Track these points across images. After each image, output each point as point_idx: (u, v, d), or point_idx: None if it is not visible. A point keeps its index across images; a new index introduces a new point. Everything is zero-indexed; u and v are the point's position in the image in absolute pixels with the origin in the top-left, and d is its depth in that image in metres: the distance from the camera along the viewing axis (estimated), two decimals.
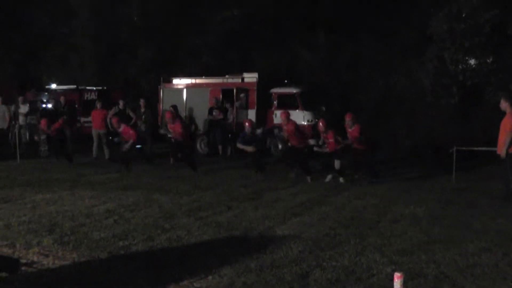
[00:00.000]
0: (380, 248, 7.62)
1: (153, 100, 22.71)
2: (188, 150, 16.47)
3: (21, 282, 6.53)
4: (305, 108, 19.32)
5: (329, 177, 14.46)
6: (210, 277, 6.52)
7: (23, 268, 6.92)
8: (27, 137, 21.43)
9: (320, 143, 15.15)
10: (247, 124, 15.26)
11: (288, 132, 14.83)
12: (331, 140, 14.38)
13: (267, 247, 7.82)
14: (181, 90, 22.16)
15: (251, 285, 6.22)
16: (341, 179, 14.15)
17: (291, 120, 15.19)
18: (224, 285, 6.25)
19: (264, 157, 15.79)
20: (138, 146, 17.00)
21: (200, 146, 21.33)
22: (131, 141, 15.88)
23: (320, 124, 14.81)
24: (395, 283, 3.90)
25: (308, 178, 14.36)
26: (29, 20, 32.80)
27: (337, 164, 14.43)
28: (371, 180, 13.88)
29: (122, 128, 16.22)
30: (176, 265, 7.04)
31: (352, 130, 14.28)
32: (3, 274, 6.58)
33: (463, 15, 16.97)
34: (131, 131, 16.18)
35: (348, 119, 14.33)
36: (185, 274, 6.61)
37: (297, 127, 15.26)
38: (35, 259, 7.40)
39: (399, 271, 4.00)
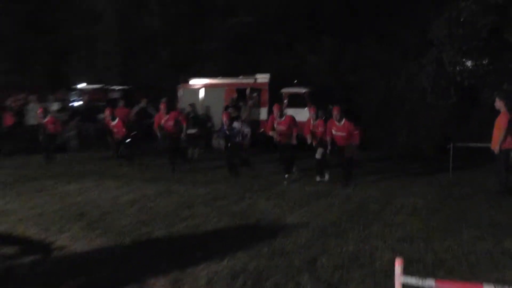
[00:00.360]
0: (382, 236, 7.63)
1: (172, 99, 22.73)
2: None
3: (53, 264, 6.62)
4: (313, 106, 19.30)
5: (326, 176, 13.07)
6: (225, 261, 6.57)
7: (55, 251, 7.00)
8: None
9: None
10: (224, 118, 13.79)
11: (280, 126, 13.31)
12: (320, 128, 13.03)
13: (278, 234, 7.86)
14: (198, 90, 22.16)
15: (263, 269, 6.26)
16: (317, 178, 12.95)
17: (287, 115, 13.86)
18: (238, 268, 6.30)
19: (238, 156, 13.98)
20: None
21: (218, 142, 21.33)
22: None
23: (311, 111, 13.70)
24: (396, 268, 3.92)
25: (286, 176, 13.07)
26: (59, 25, 32.98)
27: (318, 153, 13.01)
28: (345, 183, 12.20)
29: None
30: (194, 250, 7.10)
31: (341, 125, 12.40)
32: (37, 257, 6.67)
33: (462, 20, 16.90)
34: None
35: (335, 112, 12.53)
36: (201, 259, 6.66)
37: (292, 123, 13.40)
38: (66, 243, 7.48)
39: (399, 257, 4.01)
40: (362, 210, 9.47)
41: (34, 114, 20.78)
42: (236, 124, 13.09)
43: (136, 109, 20.05)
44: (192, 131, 16.76)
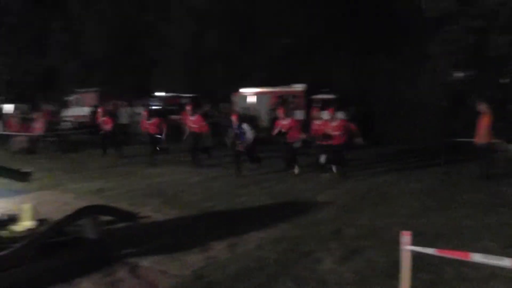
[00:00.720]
0: (391, 213, 7.49)
1: (227, 104, 22.90)
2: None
3: (139, 229, 6.76)
4: (338, 109, 19.16)
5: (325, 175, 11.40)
6: (269, 230, 6.57)
7: (140, 219, 7.12)
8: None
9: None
10: (234, 118, 11.90)
11: (286, 128, 11.67)
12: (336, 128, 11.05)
13: (311, 210, 7.82)
14: (248, 97, 22.31)
15: (298, 237, 6.23)
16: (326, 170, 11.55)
17: (291, 116, 12.60)
18: (280, 236, 6.29)
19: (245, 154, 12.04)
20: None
21: (228, 139, 21.22)
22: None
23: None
24: (403, 239, 3.85)
25: (296, 169, 11.61)
26: (143, 48, 33.81)
27: (322, 158, 11.74)
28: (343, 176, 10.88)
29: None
30: (246, 221, 7.12)
31: (336, 124, 10.96)
32: (128, 223, 6.80)
33: (451, 39, 16.79)
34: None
35: (330, 113, 11.28)
36: (252, 227, 6.68)
37: (295, 124, 11.89)
38: (149, 214, 7.61)
39: (406, 230, 3.94)
40: (374, 193, 9.29)
41: (126, 115, 21.28)
42: (245, 126, 11.68)
43: (200, 111, 20.26)
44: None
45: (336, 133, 10.94)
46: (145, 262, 5.37)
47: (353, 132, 11.07)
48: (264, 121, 20.56)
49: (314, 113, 13.36)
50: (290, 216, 7.34)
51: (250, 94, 22.31)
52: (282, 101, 20.24)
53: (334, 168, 11.53)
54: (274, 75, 24.85)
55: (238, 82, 24.25)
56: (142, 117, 15.44)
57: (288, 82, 21.04)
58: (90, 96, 26.72)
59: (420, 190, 9.45)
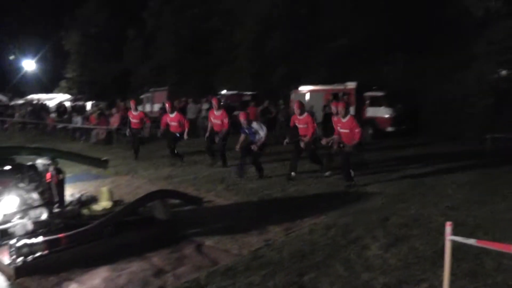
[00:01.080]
0: (435, 204, 7.27)
1: (286, 101, 22.88)
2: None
3: (203, 212, 6.93)
4: (388, 105, 18.71)
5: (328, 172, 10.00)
6: (322, 217, 6.58)
7: (204, 203, 7.31)
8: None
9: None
10: (242, 118, 9.79)
11: (301, 124, 9.65)
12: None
13: (360, 199, 7.74)
14: (305, 94, 22.16)
15: (349, 224, 6.19)
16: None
17: (305, 112, 9.77)
18: (331, 223, 6.28)
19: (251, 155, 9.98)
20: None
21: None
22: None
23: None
24: (446, 229, 3.76)
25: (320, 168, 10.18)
26: (209, 50, 34.39)
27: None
28: (347, 183, 8.79)
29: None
30: (300, 208, 7.15)
31: (346, 120, 8.77)
32: (193, 207, 7.00)
33: (496, 39, 16.15)
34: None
35: (340, 108, 8.90)
36: (306, 214, 6.71)
37: (310, 121, 9.65)
38: (212, 199, 7.81)
39: (449, 220, 3.84)
40: (420, 184, 9.02)
41: (193, 111, 21.74)
42: (255, 125, 9.72)
43: (261, 108, 20.35)
44: None
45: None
46: (209, 242, 5.55)
47: None
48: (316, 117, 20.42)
49: (364, 109, 12.88)
50: (340, 204, 7.30)
51: (305, 92, 22.21)
52: (334, 98, 20.03)
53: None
54: (328, 73, 24.62)
55: (298, 80, 24.18)
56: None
57: (344, 80, 20.73)
58: (161, 94, 27.46)
59: (465, 183, 9.08)
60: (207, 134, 11.68)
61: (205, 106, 22.15)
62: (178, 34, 36.26)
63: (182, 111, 18.27)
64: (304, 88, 22.46)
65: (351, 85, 20.14)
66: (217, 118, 11.35)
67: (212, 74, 33.69)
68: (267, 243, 5.47)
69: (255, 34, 29.49)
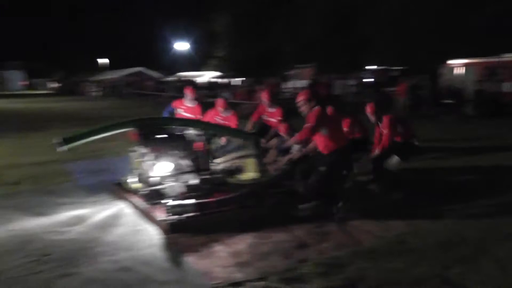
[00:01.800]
0: None
1: (433, 76, 21.40)
2: None
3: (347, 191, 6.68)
4: None
5: None
6: (473, 209, 5.97)
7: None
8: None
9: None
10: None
11: None
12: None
13: None
14: (455, 68, 20.40)
15: (502, 217, 5.61)
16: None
17: None
18: (483, 214, 5.75)
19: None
20: None
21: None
22: None
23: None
24: None
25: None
26: (356, 28, 33.66)
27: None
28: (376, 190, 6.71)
29: None
30: (447, 197, 6.58)
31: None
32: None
33: None
34: None
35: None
36: (454, 203, 6.20)
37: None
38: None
39: None
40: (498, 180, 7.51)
41: (339, 87, 21.83)
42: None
43: (409, 83, 19.37)
44: (449, 101, 15.49)
45: None
46: (352, 221, 5.37)
47: None
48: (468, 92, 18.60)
49: None
50: (494, 197, 6.46)
51: (457, 66, 20.39)
52: (488, 71, 17.99)
53: None
54: (480, 46, 22.44)
55: (446, 55, 22.40)
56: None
57: (497, 53, 18.53)
58: (307, 71, 27.63)
59: None
60: None
61: (352, 82, 21.99)
62: (323, 10, 35.94)
63: (329, 87, 18.27)
64: (455, 62, 20.66)
65: (509, 57, 17.91)
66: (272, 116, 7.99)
67: (359, 50, 32.98)
68: (412, 229, 5.12)
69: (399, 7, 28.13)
